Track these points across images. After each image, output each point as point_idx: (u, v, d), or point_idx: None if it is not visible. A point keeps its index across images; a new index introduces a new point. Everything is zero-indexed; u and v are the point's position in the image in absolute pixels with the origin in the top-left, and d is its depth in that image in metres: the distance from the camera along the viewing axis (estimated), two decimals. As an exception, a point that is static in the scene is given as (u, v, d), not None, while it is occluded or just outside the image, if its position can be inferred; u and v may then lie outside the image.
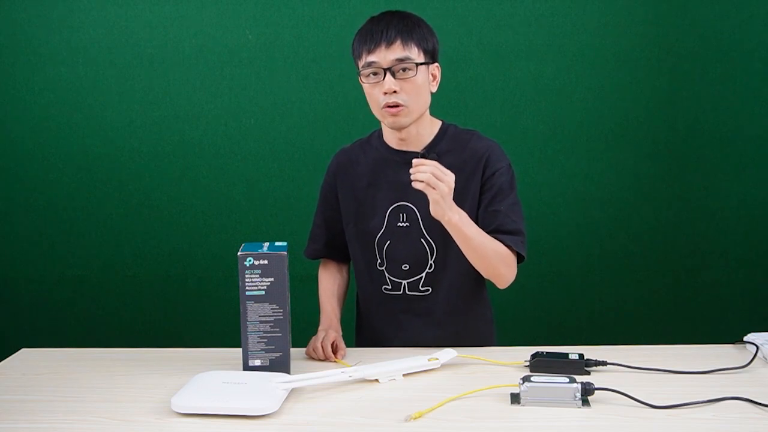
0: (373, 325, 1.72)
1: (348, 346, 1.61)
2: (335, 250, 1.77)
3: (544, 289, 2.61)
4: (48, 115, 2.59)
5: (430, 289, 1.65)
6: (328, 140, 2.56)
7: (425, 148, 1.62)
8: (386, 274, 1.66)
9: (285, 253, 1.40)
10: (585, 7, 2.49)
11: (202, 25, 2.54)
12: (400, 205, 1.63)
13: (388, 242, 1.64)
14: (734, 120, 2.52)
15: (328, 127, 2.56)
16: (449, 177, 1.43)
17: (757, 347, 1.49)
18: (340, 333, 1.62)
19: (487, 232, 1.55)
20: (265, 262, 1.39)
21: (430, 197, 1.43)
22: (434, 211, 1.45)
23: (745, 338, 1.56)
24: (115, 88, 2.57)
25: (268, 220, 2.61)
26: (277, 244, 1.46)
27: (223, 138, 2.59)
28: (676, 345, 1.58)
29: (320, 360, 1.53)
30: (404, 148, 1.63)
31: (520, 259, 1.60)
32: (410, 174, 1.44)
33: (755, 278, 2.59)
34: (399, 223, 1.63)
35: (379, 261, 1.66)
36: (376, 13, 1.62)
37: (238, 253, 1.40)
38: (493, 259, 1.54)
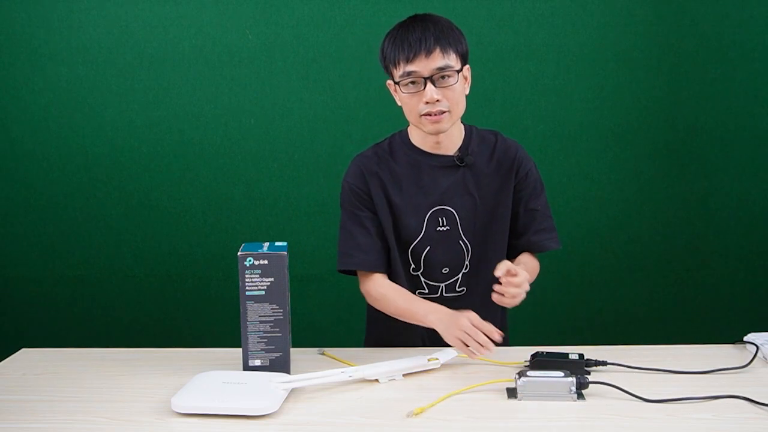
0: (405, 325, 1.64)
1: (357, 345, 1.60)
2: (387, 259, 1.64)
3: (544, 289, 2.61)
4: (48, 115, 2.59)
5: (465, 289, 1.66)
6: (327, 140, 2.56)
7: (458, 150, 1.63)
8: (422, 279, 1.65)
9: (285, 253, 1.40)
10: (585, 7, 2.49)
11: (202, 25, 2.53)
12: (439, 209, 1.62)
13: (428, 248, 1.62)
14: (734, 120, 2.52)
15: (328, 127, 2.56)
16: (524, 278, 1.44)
17: (757, 347, 1.49)
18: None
19: (528, 231, 1.66)
20: (265, 262, 1.39)
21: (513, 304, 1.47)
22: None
23: (745, 338, 1.56)
24: (115, 88, 2.57)
25: (268, 220, 2.61)
26: (277, 244, 1.46)
27: (223, 138, 2.59)
28: (676, 345, 1.59)
29: (484, 349, 1.39)
30: (438, 152, 1.62)
31: None
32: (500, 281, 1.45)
33: (755, 278, 2.59)
34: (438, 228, 1.62)
35: (413, 266, 1.65)
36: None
37: (238, 253, 1.40)
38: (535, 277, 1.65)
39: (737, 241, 2.57)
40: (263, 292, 1.40)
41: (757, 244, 2.57)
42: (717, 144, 2.53)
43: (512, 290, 1.43)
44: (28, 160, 2.61)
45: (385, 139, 1.68)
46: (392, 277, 1.66)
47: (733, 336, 1.59)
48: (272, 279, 1.40)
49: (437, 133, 1.56)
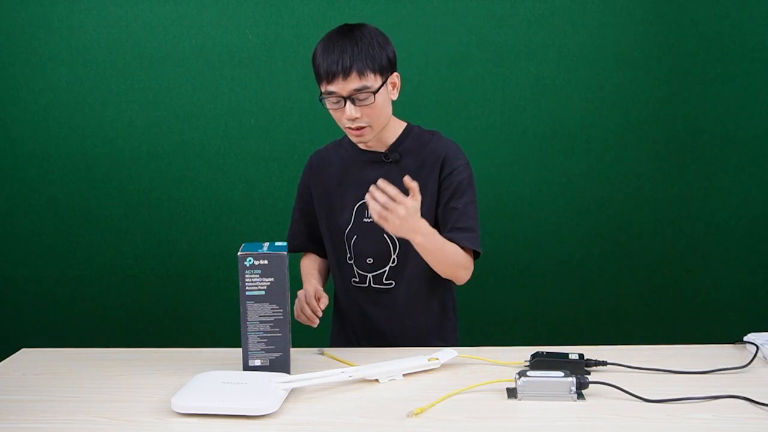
0: (343, 316, 1.81)
1: (324, 343, 1.65)
2: (318, 245, 1.85)
3: (544, 289, 2.61)
4: (48, 115, 2.59)
5: (394, 283, 1.71)
6: (328, 140, 2.54)
7: (388, 148, 1.71)
8: (354, 268, 1.74)
9: (285, 253, 1.40)
10: (585, 7, 2.49)
11: (202, 25, 2.53)
12: (365, 201, 1.66)
13: (355, 237, 1.72)
14: (734, 120, 2.52)
15: (328, 127, 2.53)
16: (407, 201, 1.46)
17: (757, 347, 1.49)
18: (318, 281, 1.74)
19: (444, 229, 1.66)
20: (265, 262, 1.39)
21: (386, 228, 1.48)
22: (395, 233, 1.50)
23: (745, 338, 1.56)
24: (115, 88, 2.57)
25: (268, 220, 2.61)
26: (277, 244, 1.46)
27: (223, 138, 2.59)
28: (676, 345, 1.59)
29: (310, 322, 1.61)
30: (369, 149, 1.73)
31: (477, 255, 1.68)
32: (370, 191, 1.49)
33: (755, 278, 2.59)
34: (364, 219, 1.70)
35: (348, 255, 1.74)
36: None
37: (238, 253, 1.40)
38: (452, 265, 1.64)
39: (737, 241, 2.57)
40: (263, 292, 1.40)
41: (757, 244, 2.57)
42: (717, 144, 2.53)
43: (380, 197, 1.46)
44: (28, 160, 2.61)
45: (342, 136, 1.81)
46: (331, 268, 1.83)
47: (733, 336, 1.59)
48: (272, 279, 1.40)
49: (361, 143, 1.69)
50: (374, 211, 1.47)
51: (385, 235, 1.68)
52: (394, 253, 1.70)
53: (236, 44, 2.54)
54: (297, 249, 1.86)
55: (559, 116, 2.54)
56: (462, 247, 1.63)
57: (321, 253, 1.86)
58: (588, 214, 2.58)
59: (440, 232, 1.66)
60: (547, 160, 2.55)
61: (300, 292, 1.65)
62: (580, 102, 2.53)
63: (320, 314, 1.60)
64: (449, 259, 1.62)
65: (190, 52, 2.55)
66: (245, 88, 2.56)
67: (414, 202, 1.48)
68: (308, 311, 1.61)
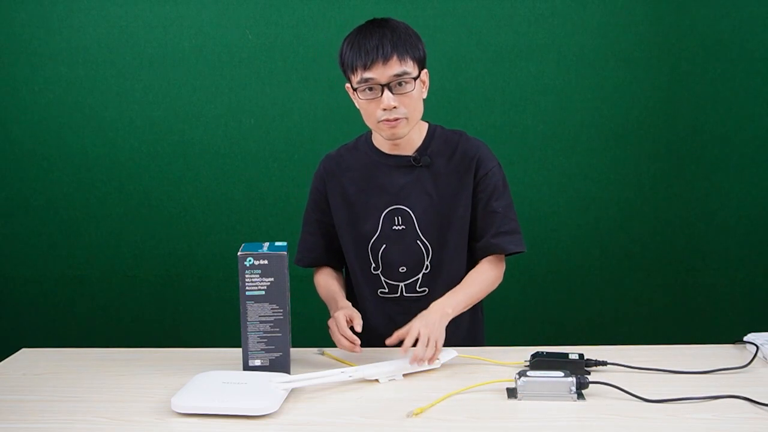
0: (369, 327, 1.69)
1: (325, 343, 1.62)
2: (334, 257, 1.75)
3: (544, 289, 2.61)
4: (48, 115, 2.59)
5: (427, 290, 1.65)
6: (328, 140, 2.55)
7: (416, 151, 1.64)
8: (382, 278, 1.67)
9: (285, 253, 1.40)
10: (585, 7, 2.49)
11: (202, 25, 2.54)
12: (395, 208, 1.64)
13: (384, 246, 1.65)
14: (734, 120, 2.52)
15: (328, 127, 2.56)
16: (432, 338, 1.43)
17: (757, 347, 1.49)
18: (348, 305, 1.60)
19: (487, 234, 1.62)
20: (265, 262, 1.39)
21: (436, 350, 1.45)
22: (442, 337, 1.47)
23: (745, 338, 1.56)
24: (115, 88, 2.57)
25: (268, 220, 2.61)
26: (277, 244, 1.46)
27: (223, 138, 2.59)
28: (676, 345, 1.59)
29: (353, 350, 1.50)
30: (396, 152, 1.65)
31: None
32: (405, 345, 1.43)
33: (755, 278, 2.59)
34: (394, 227, 1.64)
35: (374, 265, 1.67)
36: (382, 13, 1.63)
37: (238, 253, 1.40)
38: (487, 291, 1.64)
39: (737, 241, 2.57)
40: (263, 292, 1.40)
41: (757, 244, 2.57)
42: (717, 144, 2.53)
43: (420, 356, 1.42)
44: (28, 160, 2.61)
45: (355, 139, 1.73)
46: (351, 276, 1.73)
47: (733, 336, 1.59)
48: (272, 279, 1.40)
49: (394, 138, 1.59)
50: (423, 358, 1.42)
51: (417, 241, 1.63)
52: (427, 260, 1.64)
53: (236, 44, 2.54)
54: (313, 263, 1.76)
55: (559, 116, 2.54)
56: (486, 250, 1.63)
57: (336, 265, 1.77)
58: (588, 214, 2.58)
59: (481, 237, 1.64)
60: (547, 160, 2.55)
61: (331, 322, 1.54)
62: (580, 102, 2.53)
63: (359, 341, 1.49)
64: (482, 293, 1.63)
65: (190, 52, 2.55)
66: (245, 88, 2.56)
67: (414, 333, 1.44)
68: (346, 343, 1.49)
